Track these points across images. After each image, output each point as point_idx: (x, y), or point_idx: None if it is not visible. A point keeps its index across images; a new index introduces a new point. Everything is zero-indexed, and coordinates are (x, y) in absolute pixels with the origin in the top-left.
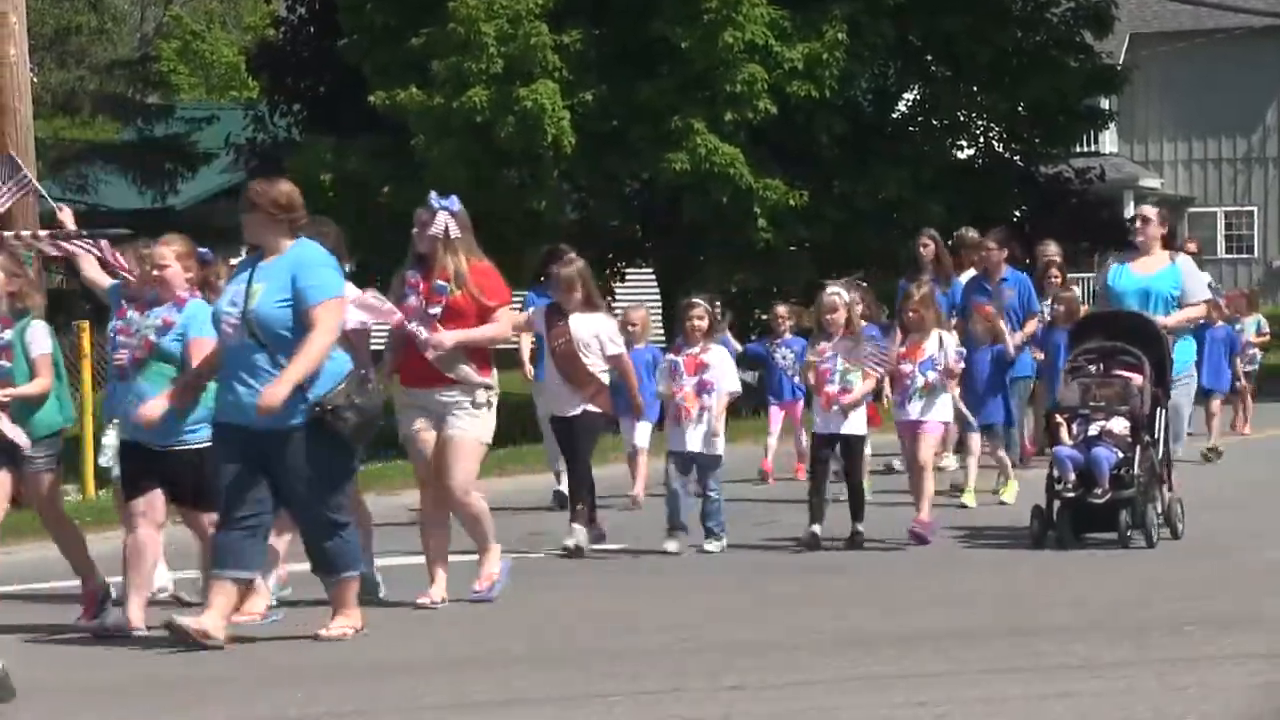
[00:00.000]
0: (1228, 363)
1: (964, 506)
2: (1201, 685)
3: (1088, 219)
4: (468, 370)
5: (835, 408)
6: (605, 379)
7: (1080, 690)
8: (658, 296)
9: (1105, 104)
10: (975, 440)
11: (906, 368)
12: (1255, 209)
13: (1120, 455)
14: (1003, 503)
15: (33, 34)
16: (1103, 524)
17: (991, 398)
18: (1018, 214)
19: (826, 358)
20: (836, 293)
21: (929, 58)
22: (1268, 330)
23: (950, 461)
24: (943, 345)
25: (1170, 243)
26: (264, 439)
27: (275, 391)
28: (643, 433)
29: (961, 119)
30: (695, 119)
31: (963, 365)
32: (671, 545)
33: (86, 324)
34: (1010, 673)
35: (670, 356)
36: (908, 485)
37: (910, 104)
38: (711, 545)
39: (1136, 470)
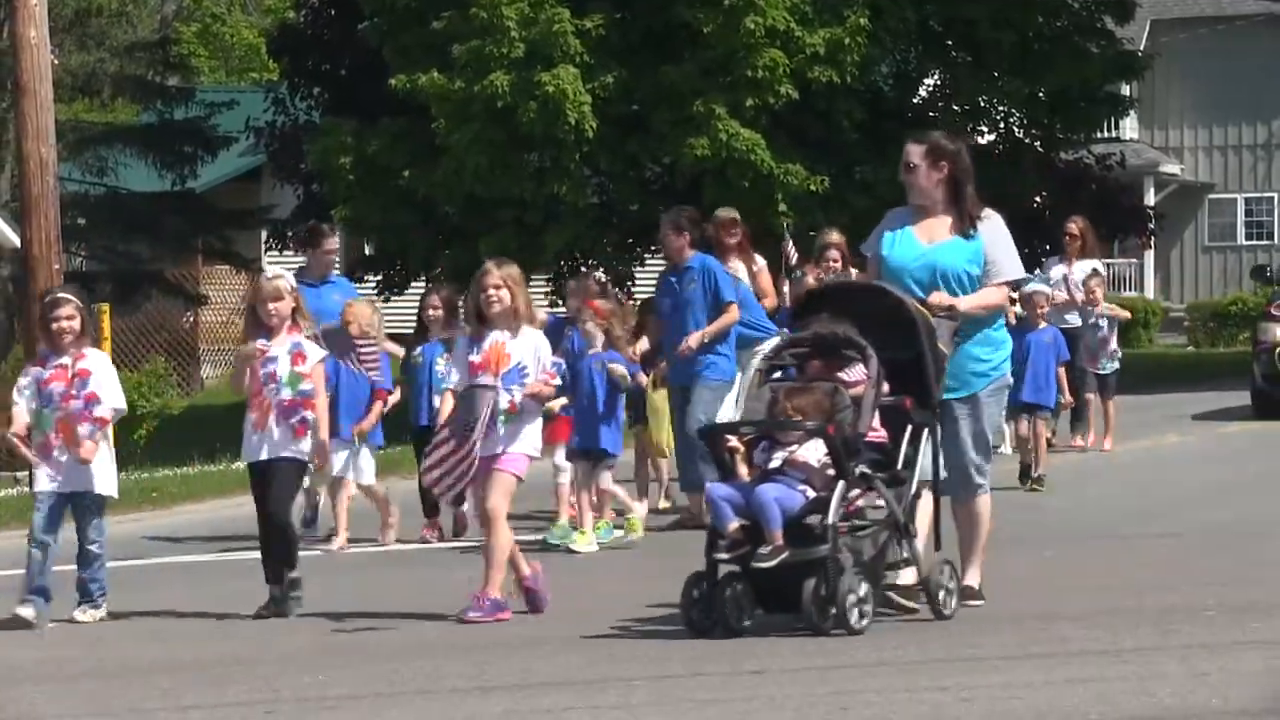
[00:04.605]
0: (1054, 373)
1: (571, 552)
2: (1223, 671)
3: (1108, 205)
4: None
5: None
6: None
7: (1102, 675)
8: None
9: (1126, 90)
10: (607, 476)
11: (485, 381)
12: (1275, 195)
13: (810, 495)
14: (572, 551)
15: (53, 16)
16: (792, 596)
17: (600, 419)
18: (1038, 200)
19: (268, 358)
20: (280, 276)
21: (950, 43)
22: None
23: None
24: (538, 351)
25: (959, 195)
26: None
27: None
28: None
29: (982, 104)
30: (716, 104)
31: (559, 381)
32: (25, 611)
33: (107, 306)
34: (1032, 658)
35: (34, 369)
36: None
37: (930, 89)
38: (82, 613)
39: (831, 518)
